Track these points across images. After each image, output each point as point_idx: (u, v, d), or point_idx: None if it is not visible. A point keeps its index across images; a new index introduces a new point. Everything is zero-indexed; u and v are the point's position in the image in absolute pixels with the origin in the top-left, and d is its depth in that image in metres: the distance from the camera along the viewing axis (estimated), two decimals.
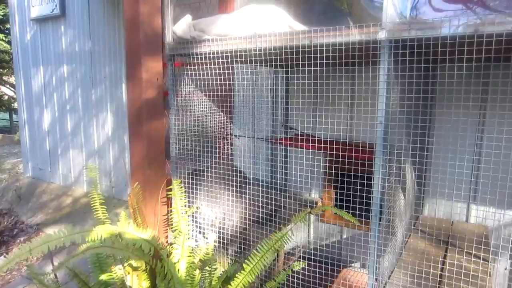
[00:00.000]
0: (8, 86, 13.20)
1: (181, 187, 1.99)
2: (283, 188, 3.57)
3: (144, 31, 1.94)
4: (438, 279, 2.09)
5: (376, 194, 1.72)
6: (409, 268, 2.07)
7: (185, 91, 2.37)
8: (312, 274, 2.25)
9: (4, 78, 12.39)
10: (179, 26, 2.18)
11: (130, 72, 2.01)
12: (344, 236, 3.39)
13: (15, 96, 12.52)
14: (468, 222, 2.96)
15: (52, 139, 5.75)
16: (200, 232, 2.37)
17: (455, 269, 2.13)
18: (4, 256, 4.06)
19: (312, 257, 2.68)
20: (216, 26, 2.08)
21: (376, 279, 1.80)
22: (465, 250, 2.41)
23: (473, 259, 2.31)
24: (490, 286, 2.04)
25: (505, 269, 2.88)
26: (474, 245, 2.37)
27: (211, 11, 4.01)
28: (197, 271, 1.78)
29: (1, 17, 10.81)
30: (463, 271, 2.11)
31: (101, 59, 4.80)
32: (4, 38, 11.13)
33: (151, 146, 2.01)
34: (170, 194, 2.00)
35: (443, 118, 2.82)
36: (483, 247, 2.31)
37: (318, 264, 2.36)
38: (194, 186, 2.34)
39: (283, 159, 3.55)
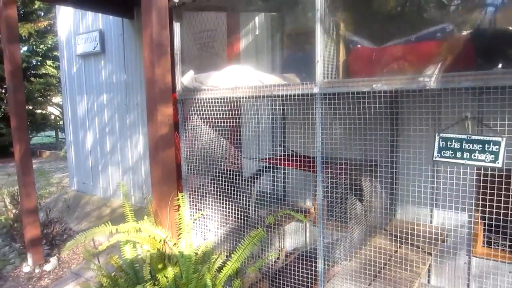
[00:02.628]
0: (54, 106, 14.79)
1: (185, 199, 2.81)
2: (282, 197, 4.31)
3: (158, 86, 2.81)
4: (382, 266, 2.78)
5: (319, 200, 2.47)
6: (362, 258, 2.78)
7: (194, 124, 3.23)
8: (308, 269, 2.96)
9: (52, 100, 13.95)
10: (185, 78, 3.05)
11: (149, 116, 2.89)
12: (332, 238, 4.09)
13: (60, 116, 14.03)
14: (432, 223, 3.59)
15: (93, 157, 6.82)
16: (205, 232, 3.19)
17: (398, 259, 2.82)
18: (57, 257, 5.04)
19: (308, 256, 3.41)
20: (210, 80, 2.92)
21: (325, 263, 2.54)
22: (415, 246, 3.08)
23: (420, 254, 2.98)
24: (421, 273, 2.71)
25: (464, 263, 3.49)
26: (426, 240, 3.02)
27: (222, 49, 4.91)
28: (195, 255, 2.60)
29: (50, 45, 12.31)
30: (403, 261, 2.80)
31: (134, 89, 5.80)
32: (52, 64, 12.63)
33: (165, 169, 2.87)
34: (178, 203, 2.83)
35: (405, 139, 3.49)
36: (433, 242, 2.96)
37: (313, 260, 3.09)
38: (200, 197, 3.19)
39: (282, 173, 4.31)
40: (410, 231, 3.28)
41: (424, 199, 3.45)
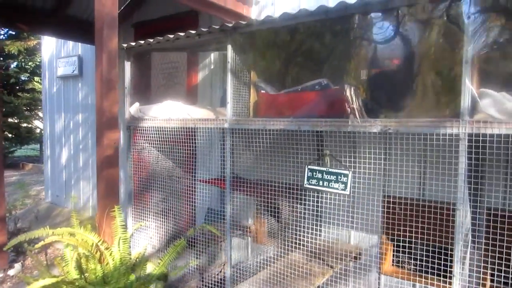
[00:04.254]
0: (41, 120, 15.30)
1: (121, 211, 3.33)
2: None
3: (106, 116, 3.37)
4: (285, 276, 3.31)
5: (227, 215, 3.01)
6: (272, 267, 3.30)
7: (140, 147, 3.78)
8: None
9: (39, 113, 14.49)
10: (132, 109, 3.62)
11: (97, 140, 3.44)
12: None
13: None
14: (349, 243, 4.13)
15: (67, 171, 7.32)
16: (148, 241, 3.71)
17: (301, 271, 3.34)
18: (21, 263, 5.48)
19: (250, 269, 3.91)
20: (151, 111, 3.50)
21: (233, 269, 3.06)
22: (322, 260, 3.60)
23: (322, 267, 3.50)
24: (316, 283, 3.23)
25: (375, 279, 4.01)
26: (339, 257, 3.54)
27: (183, 79, 5.52)
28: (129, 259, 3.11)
29: (38, 63, 12.95)
30: (305, 272, 3.32)
31: None
32: (39, 81, 13.23)
33: (108, 185, 3.40)
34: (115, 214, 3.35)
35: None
36: (340, 258, 3.48)
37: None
38: (144, 210, 3.72)
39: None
40: (325, 249, 3.82)
41: (342, 221, 4.00)
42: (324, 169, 2.48)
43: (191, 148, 3.47)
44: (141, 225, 3.67)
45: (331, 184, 2.45)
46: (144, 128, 3.57)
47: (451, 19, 2.17)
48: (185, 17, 5.29)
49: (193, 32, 2.99)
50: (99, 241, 2.99)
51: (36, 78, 13.52)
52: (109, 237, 3.29)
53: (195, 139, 3.47)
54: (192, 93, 5.26)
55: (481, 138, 2.02)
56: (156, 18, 5.66)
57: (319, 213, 4.18)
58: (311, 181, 2.54)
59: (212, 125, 3.03)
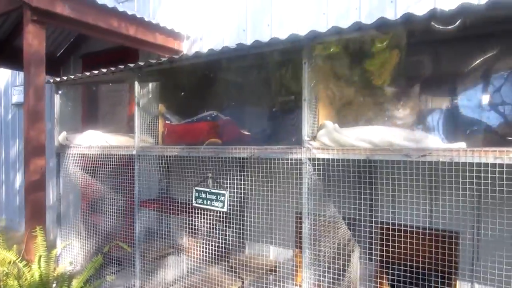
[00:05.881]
0: None
1: (42, 231, 3.65)
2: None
3: (32, 144, 3.73)
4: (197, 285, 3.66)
5: (136, 231, 3.37)
6: (186, 280, 3.66)
7: (69, 172, 4.14)
8: None
9: None
10: (60, 137, 4.00)
11: (25, 166, 3.79)
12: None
13: None
14: (269, 257, 4.51)
15: (21, 196, 7.54)
16: (76, 259, 4.03)
17: (213, 282, 3.70)
18: None
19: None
20: (76, 139, 3.88)
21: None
22: (235, 273, 3.97)
23: (233, 279, 3.87)
24: None
25: None
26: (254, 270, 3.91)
27: (126, 105, 5.90)
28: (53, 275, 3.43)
29: None
30: (215, 283, 3.68)
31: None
32: None
33: (34, 207, 3.74)
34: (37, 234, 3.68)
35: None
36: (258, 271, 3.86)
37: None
38: (72, 230, 4.05)
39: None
40: (242, 263, 4.18)
41: (262, 237, 4.39)
42: (207, 189, 2.89)
43: (119, 172, 3.85)
44: (68, 244, 4.00)
45: (213, 203, 2.86)
46: (71, 155, 3.95)
47: (293, 65, 2.66)
48: (127, 49, 5.73)
49: (104, 70, 3.42)
50: (17, 259, 3.30)
51: None
52: (31, 255, 3.61)
53: (120, 164, 3.85)
54: (133, 120, 5.67)
55: (316, 162, 2.47)
56: (101, 50, 6.09)
57: (240, 230, 4.58)
58: (197, 200, 2.95)
59: (123, 152, 3.43)
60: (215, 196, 2.84)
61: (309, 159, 2.49)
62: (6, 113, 7.90)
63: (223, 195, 2.81)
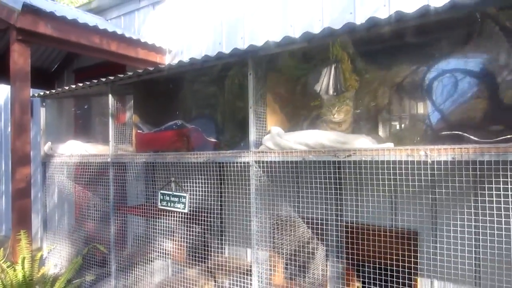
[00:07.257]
0: None
1: (26, 235, 3.93)
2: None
3: (18, 154, 4.03)
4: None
5: (111, 235, 3.63)
6: (163, 282, 3.89)
7: (56, 180, 4.43)
8: None
9: None
10: (46, 147, 4.30)
11: (12, 175, 4.09)
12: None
13: None
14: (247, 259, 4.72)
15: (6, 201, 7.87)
16: (60, 261, 4.30)
17: (188, 282, 3.93)
18: None
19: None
20: (59, 149, 4.18)
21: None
22: (211, 274, 4.19)
23: (208, 280, 4.09)
24: None
25: None
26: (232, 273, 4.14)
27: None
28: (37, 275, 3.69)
29: None
30: (190, 283, 3.91)
31: None
32: None
33: (20, 213, 4.02)
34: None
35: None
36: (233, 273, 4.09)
37: None
38: (56, 235, 4.33)
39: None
40: (219, 265, 4.41)
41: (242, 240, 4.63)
42: (171, 192, 3.15)
43: (98, 179, 4.12)
44: (53, 247, 4.28)
45: (176, 205, 3.11)
46: (54, 163, 4.24)
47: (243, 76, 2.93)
48: (115, 64, 6.07)
49: (80, 84, 3.73)
50: (0, 260, 3.59)
51: None
52: (17, 257, 3.89)
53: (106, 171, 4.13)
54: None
55: (261, 165, 2.72)
56: (92, 64, 6.44)
57: (219, 233, 4.81)
58: (162, 203, 3.20)
59: (99, 160, 3.72)
60: (178, 199, 3.09)
61: (256, 161, 2.74)
62: (6, 127, 8.28)
63: (184, 197, 3.06)
